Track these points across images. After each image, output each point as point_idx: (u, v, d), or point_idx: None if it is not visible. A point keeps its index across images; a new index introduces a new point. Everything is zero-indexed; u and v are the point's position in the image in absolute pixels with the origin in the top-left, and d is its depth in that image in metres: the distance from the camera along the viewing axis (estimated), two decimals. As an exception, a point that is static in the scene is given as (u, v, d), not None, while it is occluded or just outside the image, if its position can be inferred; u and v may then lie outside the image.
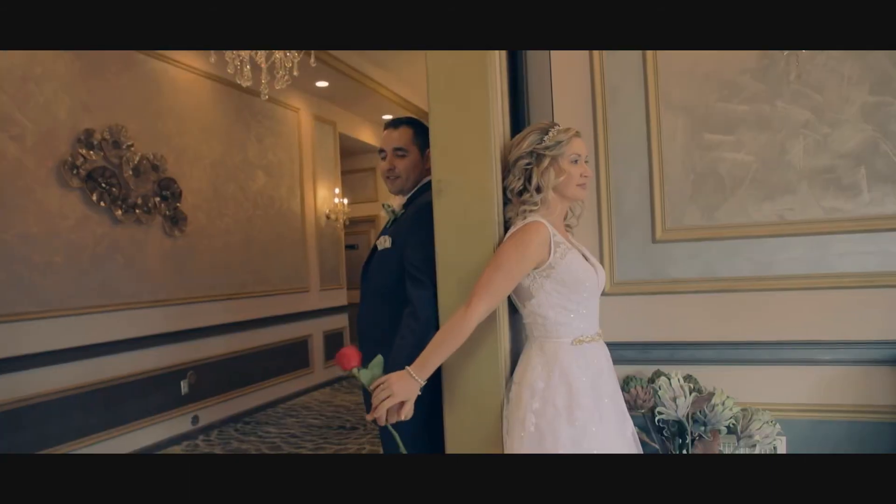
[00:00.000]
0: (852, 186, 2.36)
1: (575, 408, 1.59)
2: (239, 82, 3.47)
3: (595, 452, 1.58)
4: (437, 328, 1.72)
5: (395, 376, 1.58)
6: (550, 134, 1.71)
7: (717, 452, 2.20)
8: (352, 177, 8.66)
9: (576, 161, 1.73)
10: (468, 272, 1.73)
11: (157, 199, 4.62)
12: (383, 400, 1.55)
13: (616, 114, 2.60)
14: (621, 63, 2.65)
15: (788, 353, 2.32)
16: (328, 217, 7.03)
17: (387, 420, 1.57)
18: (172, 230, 4.77)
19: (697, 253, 2.49)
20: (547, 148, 1.71)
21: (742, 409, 2.16)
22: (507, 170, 1.79)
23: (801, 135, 2.43)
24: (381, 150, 2.09)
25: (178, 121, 4.92)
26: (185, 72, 5.01)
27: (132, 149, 4.41)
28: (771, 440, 2.24)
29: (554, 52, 2.59)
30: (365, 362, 2.00)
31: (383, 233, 2.04)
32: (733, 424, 2.16)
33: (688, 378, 2.31)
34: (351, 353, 1.63)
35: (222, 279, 5.35)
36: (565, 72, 2.62)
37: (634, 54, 2.63)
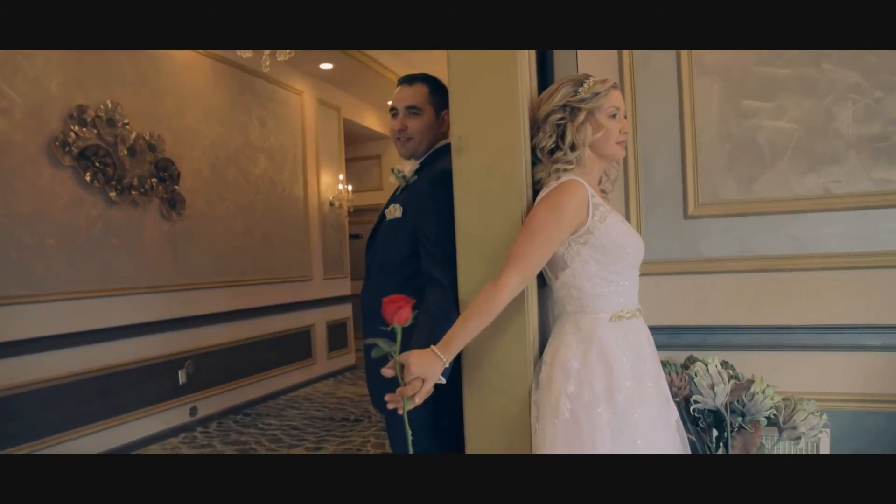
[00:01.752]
0: (906, 156, 2.16)
1: (615, 391, 1.40)
2: (239, 54, 3.28)
3: (638, 443, 1.39)
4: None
5: (415, 353, 1.38)
6: (586, 85, 1.52)
7: (757, 446, 2.01)
8: (356, 164, 8.46)
9: (614, 115, 1.54)
10: (492, 241, 1.53)
11: (154, 180, 4.43)
12: (410, 382, 1.35)
13: (645, 78, 2.40)
14: (650, 25, 2.45)
15: (831, 337, 2.13)
16: (332, 204, 6.84)
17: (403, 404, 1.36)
18: (170, 213, 4.59)
19: (733, 229, 2.30)
20: (582, 101, 1.52)
21: (783, 399, 1.97)
22: (535, 126, 1.59)
23: (849, 99, 2.23)
24: (393, 108, 1.88)
25: (176, 100, 4.73)
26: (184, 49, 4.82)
27: (128, 127, 4.22)
28: (816, 432, 2.04)
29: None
30: (369, 364, 1.79)
31: (392, 201, 1.83)
32: (774, 415, 1.97)
33: (724, 364, 2.11)
34: (403, 309, 1.33)
35: (222, 265, 5.18)
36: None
37: (664, 16, 2.43)
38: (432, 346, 1.38)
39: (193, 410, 4.81)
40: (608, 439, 1.39)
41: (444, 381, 1.41)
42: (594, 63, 2.38)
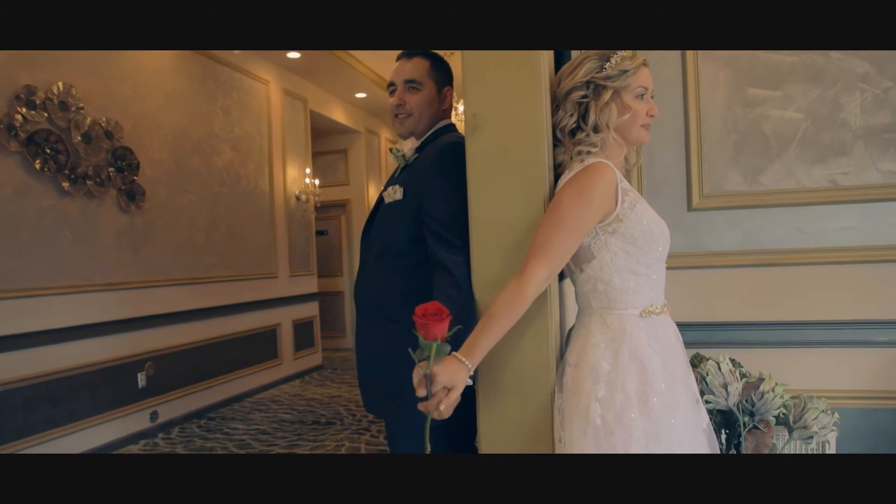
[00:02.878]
0: (915, 147, 2.11)
1: (651, 394, 1.28)
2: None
3: (675, 452, 1.27)
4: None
5: (437, 361, 1.22)
6: (613, 61, 1.39)
7: (769, 446, 1.93)
8: (322, 159, 8.22)
9: (642, 96, 1.42)
10: (511, 229, 1.39)
11: (112, 170, 4.14)
12: (438, 392, 1.19)
13: (649, 62, 2.30)
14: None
15: (839, 334, 2.07)
16: (298, 198, 6.60)
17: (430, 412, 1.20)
18: (129, 205, 4.29)
19: (739, 222, 2.22)
20: (608, 78, 1.38)
21: (793, 397, 1.88)
22: (555, 104, 1.45)
23: (857, 89, 2.17)
24: (391, 84, 1.73)
25: (136, 85, 4.44)
26: (142, 31, 4.52)
27: (82, 112, 3.92)
28: (828, 431, 1.97)
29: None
30: (368, 339, 1.63)
31: (390, 182, 1.68)
32: (784, 414, 1.89)
33: (734, 362, 2.02)
34: (438, 324, 1.14)
35: (184, 261, 4.90)
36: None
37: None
38: (454, 353, 1.23)
39: (154, 416, 4.53)
40: (643, 447, 1.26)
41: (472, 383, 1.26)
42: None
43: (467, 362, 1.21)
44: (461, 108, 5.03)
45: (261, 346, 5.95)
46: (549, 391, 1.38)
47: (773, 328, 2.16)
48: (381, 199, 1.69)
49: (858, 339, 2.09)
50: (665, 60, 2.28)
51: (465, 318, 1.33)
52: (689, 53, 2.27)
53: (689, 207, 2.26)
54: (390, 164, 9.23)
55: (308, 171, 6.79)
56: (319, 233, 7.95)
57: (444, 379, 1.18)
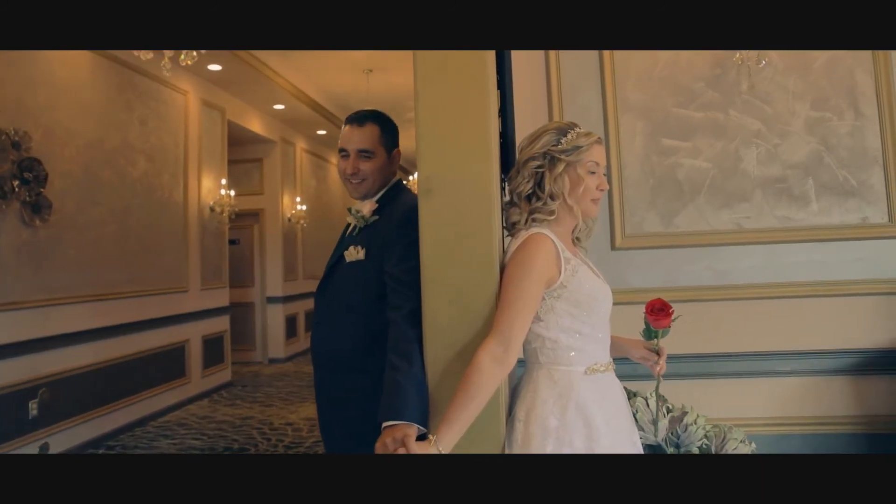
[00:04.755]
0: (802, 196, 2.41)
1: (595, 450, 1.39)
2: (138, 55, 2.95)
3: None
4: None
5: (415, 444, 1.30)
6: (569, 136, 1.51)
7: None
8: (237, 167, 7.99)
9: (593, 171, 1.53)
10: (464, 290, 1.45)
11: (17, 182, 3.86)
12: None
13: (573, 113, 2.48)
14: (578, 62, 2.54)
15: (750, 365, 2.32)
16: (212, 209, 6.40)
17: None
18: (32, 219, 4.01)
19: (658, 261, 2.43)
20: (564, 152, 1.50)
21: (713, 427, 2.09)
22: (515, 169, 1.56)
23: (753, 144, 2.45)
24: (343, 150, 1.80)
25: (49, 93, 4.17)
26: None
27: (-16, 120, 3.65)
28: (742, 458, 2.19)
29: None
30: (333, 389, 1.71)
31: (349, 242, 1.76)
32: (706, 445, 2.08)
33: (660, 397, 2.21)
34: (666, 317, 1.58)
35: (90, 277, 4.62)
36: (522, 69, 2.45)
37: (591, 54, 2.54)
38: (433, 439, 1.29)
39: (44, 447, 4.19)
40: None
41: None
42: (524, 101, 2.40)
43: (443, 449, 1.28)
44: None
45: (168, 365, 5.68)
46: (500, 447, 1.45)
47: (690, 360, 2.36)
48: (340, 257, 1.75)
49: (766, 369, 2.34)
50: (588, 111, 2.47)
51: (417, 389, 1.39)
52: (610, 105, 2.48)
53: (613, 247, 2.45)
54: (305, 175, 9.12)
55: (224, 181, 6.61)
56: (231, 242, 7.71)
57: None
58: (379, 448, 1.32)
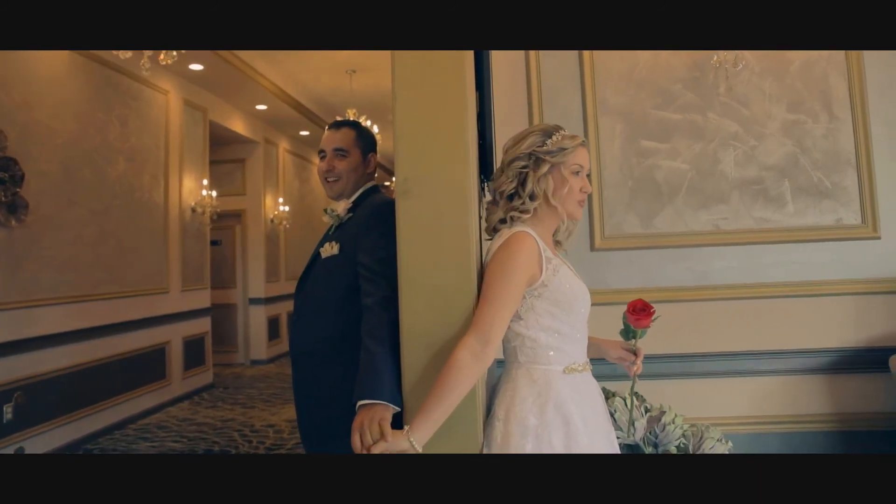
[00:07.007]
0: (778, 198, 2.45)
1: (575, 449, 1.40)
2: (118, 54, 2.92)
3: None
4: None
5: (391, 430, 1.31)
6: (555, 137, 1.53)
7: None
8: (219, 168, 7.92)
9: (577, 173, 1.54)
10: (442, 289, 1.45)
11: (-9, 181, 3.81)
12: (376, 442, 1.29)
13: (553, 115, 2.50)
14: (558, 64, 2.56)
15: (727, 364, 2.35)
16: (194, 210, 6.35)
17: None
18: (8, 219, 3.95)
19: (636, 261, 2.46)
20: (549, 153, 1.52)
21: (691, 426, 2.12)
22: (500, 169, 1.58)
23: (731, 146, 2.49)
24: (321, 151, 1.90)
25: (26, 92, 4.10)
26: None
27: (-43, 118, 3.59)
28: (720, 456, 2.21)
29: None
30: (310, 383, 1.72)
31: (326, 240, 1.82)
32: (683, 444, 2.11)
33: (638, 396, 2.23)
34: (647, 316, 1.59)
35: (69, 278, 4.56)
36: (502, 71, 2.47)
37: (571, 55, 2.56)
38: (409, 431, 1.30)
39: (20, 451, 4.12)
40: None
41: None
42: (504, 102, 2.42)
43: (416, 445, 1.29)
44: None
45: (148, 367, 5.62)
46: (477, 445, 1.45)
47: (669, 360, 2.39)
48: (317, 255, 1.81)
49: (743, 369, 2.38)
50: (568, 113, 2.49)
51: (383, 365, 1.42)
52: (590, 107, 2.50)
53: (592, 248, 2.47)
54: (288, 175, 9.07)
55: (206, 182, 6.55)
56: (213, 243, 7.65)
57: (393, 449, 1.27)
58: (356, 427, 1.33)
